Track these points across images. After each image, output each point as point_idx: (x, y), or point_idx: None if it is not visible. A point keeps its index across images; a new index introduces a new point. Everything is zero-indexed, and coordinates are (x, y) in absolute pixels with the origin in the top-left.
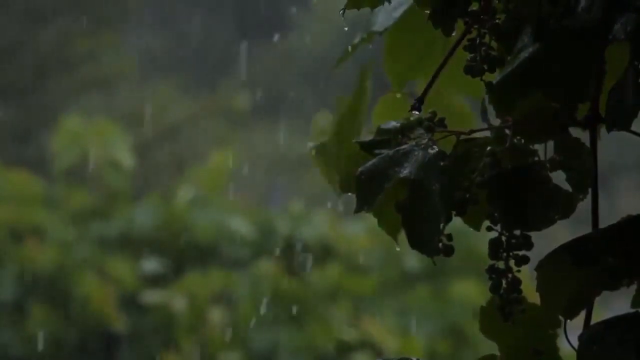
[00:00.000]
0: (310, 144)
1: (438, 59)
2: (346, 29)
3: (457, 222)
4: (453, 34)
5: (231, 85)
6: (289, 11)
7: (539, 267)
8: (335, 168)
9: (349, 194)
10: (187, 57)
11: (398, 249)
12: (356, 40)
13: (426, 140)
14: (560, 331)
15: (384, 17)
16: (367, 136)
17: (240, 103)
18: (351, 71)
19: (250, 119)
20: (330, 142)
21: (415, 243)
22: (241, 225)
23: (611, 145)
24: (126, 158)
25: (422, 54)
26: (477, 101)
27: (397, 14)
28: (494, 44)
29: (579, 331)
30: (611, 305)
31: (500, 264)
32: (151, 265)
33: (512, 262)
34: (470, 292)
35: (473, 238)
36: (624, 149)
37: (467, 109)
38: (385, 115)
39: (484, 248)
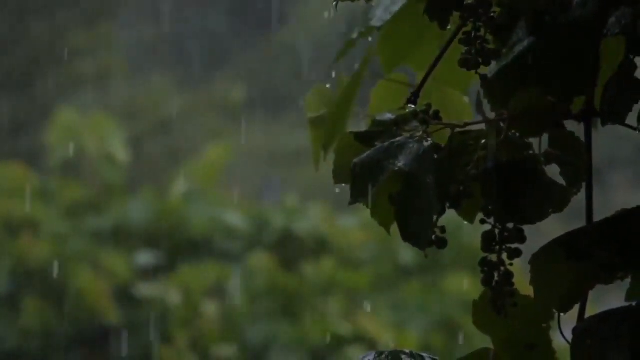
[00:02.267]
0: (310, 115)
1: (430, 46)
2: (343, 24)
3: (451, 216)
4: (448, 27)
5: (226, 79)
6: (284, 4)
7: (533, 261)
8: (327, 141)
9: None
10: (182, 51)
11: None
12: (354, 35)
13: (421, 132)
14: (554, 324)
15: (382, 12)
16: (364, 117)
17: (235, 97)
18: (347, 65)
19: (245, 113)
20: (328, 116)
21: (408, 236)
22: (236, 219)
23: (606, 140)
24: (121, 152)
25: (414, 40)
26: (474, 93)
27: (395, 8)
28: (489, 37)
29: (573, 324)
30: (606, 300)
31: (493, 257)
32: (145, 258)
33: (504, 255)
34: (464, 286)
35: (467, 232)
36: (618, 143)
37: (464, 100)
38: (382, 99)
39: (478, 242)
